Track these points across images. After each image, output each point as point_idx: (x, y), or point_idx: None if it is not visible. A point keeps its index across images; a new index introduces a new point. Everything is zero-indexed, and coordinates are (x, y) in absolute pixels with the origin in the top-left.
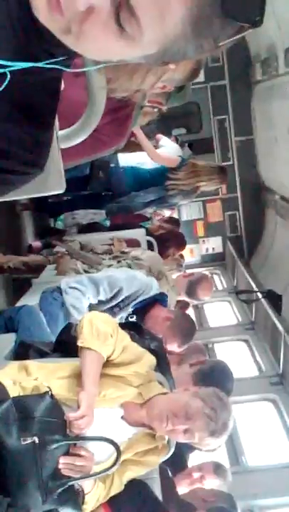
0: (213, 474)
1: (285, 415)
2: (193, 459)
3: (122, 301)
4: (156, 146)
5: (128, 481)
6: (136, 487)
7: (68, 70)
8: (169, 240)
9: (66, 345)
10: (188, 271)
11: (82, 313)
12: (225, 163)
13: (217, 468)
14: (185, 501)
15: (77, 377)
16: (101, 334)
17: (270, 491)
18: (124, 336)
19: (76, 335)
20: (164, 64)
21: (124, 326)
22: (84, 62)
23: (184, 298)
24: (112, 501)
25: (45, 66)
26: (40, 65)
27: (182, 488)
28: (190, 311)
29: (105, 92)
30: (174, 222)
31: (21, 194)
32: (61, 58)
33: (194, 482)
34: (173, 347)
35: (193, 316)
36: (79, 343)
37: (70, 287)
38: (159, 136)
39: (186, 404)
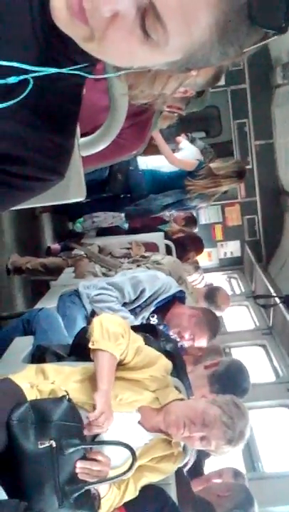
0: (232, 481)
1: None
2: (209, 465)
3: (145, 301)
4: (175, 150)
5: (144, 485)
6: (153, 492)
7: (90, 76)
8: (188, 244)
9: (82, 349)
10: (206, 275)
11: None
12: None
13: (236, 476)
14: (202, 500)
15: (93, 380)
16: (111, 335)
17: (286, 498)
18: (137, 338)
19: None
20: (187, 71)
21: (138, 328)
22: (105, 69)
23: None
24: (129, 505)
25: (67, 72)
26: (62, 71)
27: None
28: None
29: (127, 99)
30: (191, 220)
31: (42, 201)
32: (84, 65)
33: None
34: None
35: None
36: (90, 346)
37: (97, 294)
38: (179, 138)
39: (204, 412)
